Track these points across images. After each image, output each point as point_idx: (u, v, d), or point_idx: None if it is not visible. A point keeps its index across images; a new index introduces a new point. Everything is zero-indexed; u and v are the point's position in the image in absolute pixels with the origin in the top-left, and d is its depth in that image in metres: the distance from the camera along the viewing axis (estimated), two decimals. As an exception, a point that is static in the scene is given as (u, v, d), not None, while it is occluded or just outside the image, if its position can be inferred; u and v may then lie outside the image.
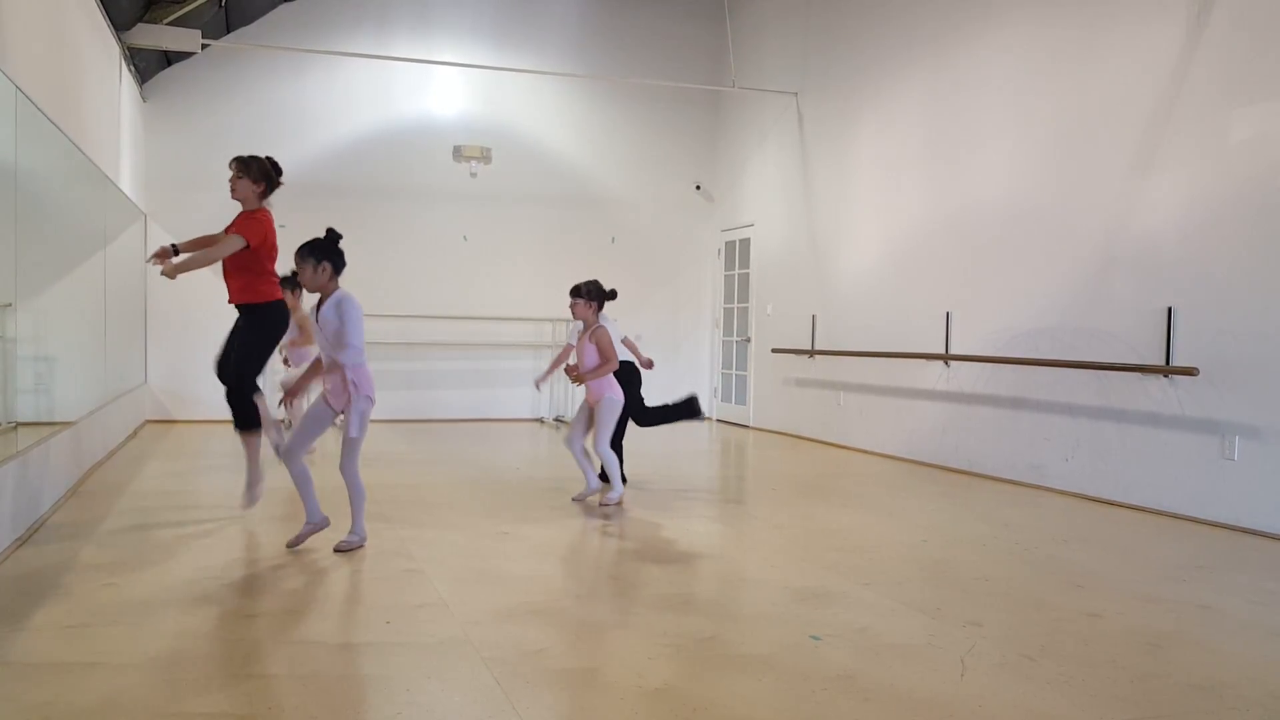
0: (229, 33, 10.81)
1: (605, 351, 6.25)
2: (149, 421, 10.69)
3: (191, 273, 5.21)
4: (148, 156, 10.65)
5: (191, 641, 3.44)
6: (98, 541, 4.98)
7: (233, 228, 5.32)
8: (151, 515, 5.64)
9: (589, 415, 6.43)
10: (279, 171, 5.49)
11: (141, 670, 3.15)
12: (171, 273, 5.04)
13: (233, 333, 5.57)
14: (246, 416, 5.56)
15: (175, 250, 5.42)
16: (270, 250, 5.41)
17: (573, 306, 6.37)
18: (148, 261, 5.12)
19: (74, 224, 7.07)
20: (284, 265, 5.48)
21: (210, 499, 6.25)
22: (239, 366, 5.46)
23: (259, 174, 5.38)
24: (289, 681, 3.07)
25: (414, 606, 3.93)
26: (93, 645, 3.39)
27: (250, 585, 4.23)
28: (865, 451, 9.44)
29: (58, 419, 6.37)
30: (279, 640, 3.48)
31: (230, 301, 5.49)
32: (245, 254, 5.25)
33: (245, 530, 5.33)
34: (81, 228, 7.28)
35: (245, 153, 5.48)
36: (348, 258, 4.95)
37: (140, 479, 7.04)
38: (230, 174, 5.37)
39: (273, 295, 5.49)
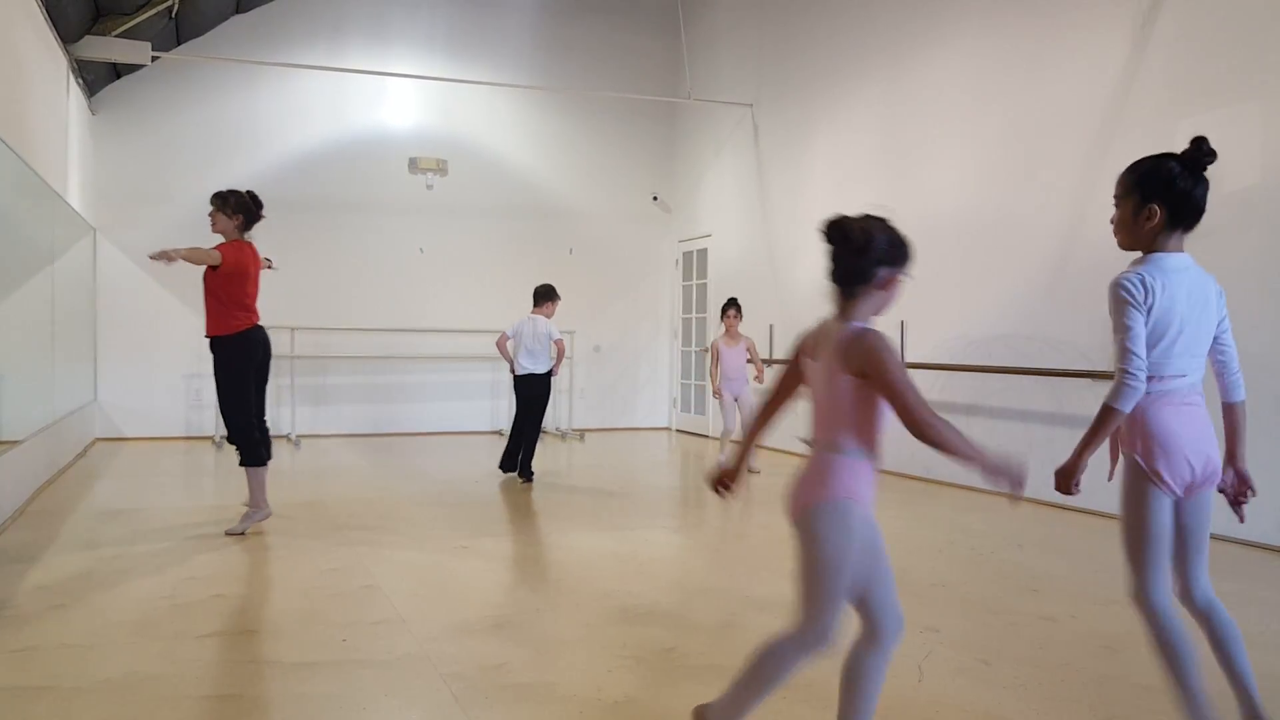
0: (179, 45, 10.66)
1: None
2: (99, 440, 10.48)
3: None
4: (97, 170, 10.46)
5: (144, 663, 3.38)
6: (46, 563, 4.87)
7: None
8: (101, 535, 5.53)
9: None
10: (259, 204, 5.63)
11: (94, 693, 3.09)
12: (165, 257, 5.17)
13: None
14: (243, 451, 5.61)
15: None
16: (241, 278, 5.47)
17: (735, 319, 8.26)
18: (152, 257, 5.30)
19: (20, 239, 6.93)
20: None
21: (161, 519, 6.14)
22: (221, 407, 5.62)
23: (235, 206, 5.51)
24: (244, 702, 3.03)
25: (371, 623, 3.89)
26: (43, 669, 3.31)
27: (203, 605, 4.16)
28: (824, 460, 9.47)
29: (5, 438, 6.23)
30: (233, 660, 3.43)
31: (205, 335, 5.59)
32: (215, 279, 5.40)
33: (197, 550, 5.24)
34: (28, 243, 7.13)
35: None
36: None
37: (90, 498, 6.91)
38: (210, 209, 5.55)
39: (237, 326, 5.50)
